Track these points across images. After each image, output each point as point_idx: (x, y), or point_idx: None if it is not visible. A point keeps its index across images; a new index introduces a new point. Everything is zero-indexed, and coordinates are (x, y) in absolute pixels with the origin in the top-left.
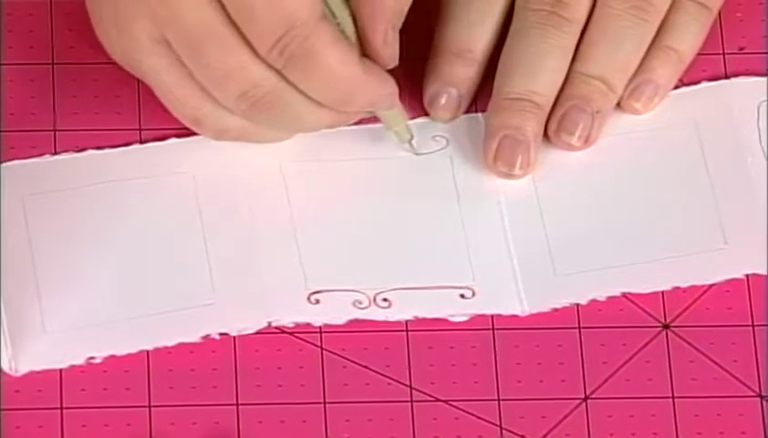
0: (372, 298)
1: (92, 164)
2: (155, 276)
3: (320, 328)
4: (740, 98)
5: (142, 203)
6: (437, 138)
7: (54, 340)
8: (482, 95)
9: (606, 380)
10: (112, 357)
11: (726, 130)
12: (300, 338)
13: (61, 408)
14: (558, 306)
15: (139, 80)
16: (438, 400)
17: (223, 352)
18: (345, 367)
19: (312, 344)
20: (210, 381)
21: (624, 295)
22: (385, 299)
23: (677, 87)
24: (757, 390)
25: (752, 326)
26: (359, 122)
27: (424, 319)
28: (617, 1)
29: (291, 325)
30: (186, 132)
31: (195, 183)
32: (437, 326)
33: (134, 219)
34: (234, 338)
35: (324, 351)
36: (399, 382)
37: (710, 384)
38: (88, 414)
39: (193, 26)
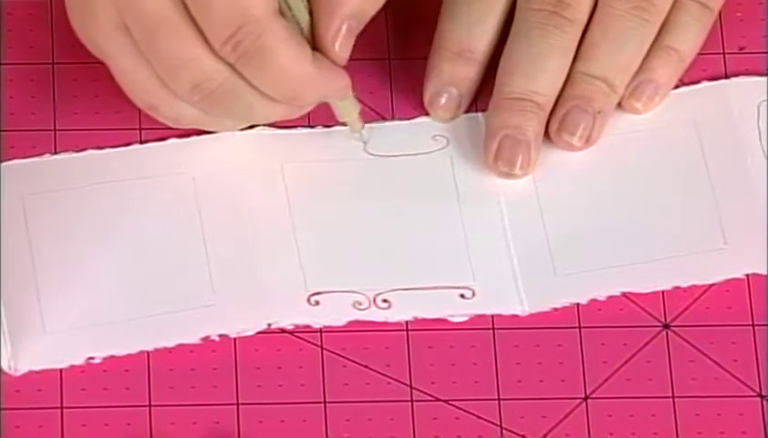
0: (372, 299)
1: (92, 164)
2: (155, 277)
3: (320, 328)
4: (740, 97)
5: (142, 204)
6: (437, 138)
7: (53, 340)
8: (482, 95)
9: (606, 380)
10: (112, 357)
11: (726, 129)
12: (300, 338)
13: (61, 408)
14: (558, 305)
15: None
16: (438, 399)
17: (224, 352)
18: (345, 366)
19: (312, 344)
20: (210, 381)
21: (624, 294)
22: (385, 300)
23: (677, 86)
24: (757, 390)
25: (753, 326)
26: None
27: (425, 319)
28: (619, 1)
29: (291, 326)
30: (186, 132)
31: (195, 184)
32: (437, 325)
33: (134, 219)
34: (234, 338)
35: (324, 351)
36: (400, 382)
37: (710, 384)
38: (88, 414)
39: (151, 14)
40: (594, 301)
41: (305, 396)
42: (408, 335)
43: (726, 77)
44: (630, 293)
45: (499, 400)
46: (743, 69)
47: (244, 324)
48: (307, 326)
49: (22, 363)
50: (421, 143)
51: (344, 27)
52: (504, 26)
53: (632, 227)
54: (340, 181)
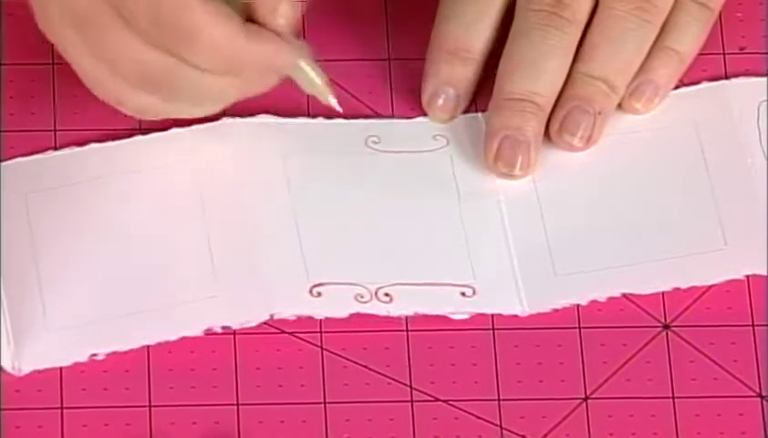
0: (374, 293)
1: (93, 158)
2: (157, 270)
3: (321, 327)
4: (740, 98)
5: (144, 196)
6: (437, 137)
7: (56, 338)
8: (482, 95)
9: (606, 380)
10: (114, 353)
11: (726, 130)
12: (300, 338)
13: (61, 408)
14: (558, 306)
15: None
16: (438, 399)
17: (224, 352)
18: (345, 367)
19: (312, 344)
20: (210, 381)
21: (624, 295)
22: (386, 294)
23: (677, 87)
24: (757, 390)
25: (753, 326)
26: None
27: (424, 319)
28: (620, 2)
29: (293, 318)
30: (188, 123)
31: (197, 175)
32: (437, 325)
33: (135, 212)
34: (235, 337)
35: (324, 351)
36: (399, 382)
37: (710, 384)
38: (88, 414)
39: (81, 10)
40: (594, 302)
41: (305, 396)
42: (408, 335)
43: (726, 77)
44: (630, 293)
45: (499, 400)
46: (743, 70)
47: (247, 316)
48: (309, 318)
49: (25, 363)
50: (422, 142)
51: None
52: (502, 26)
53: (632, 228)
54: (343, 172)
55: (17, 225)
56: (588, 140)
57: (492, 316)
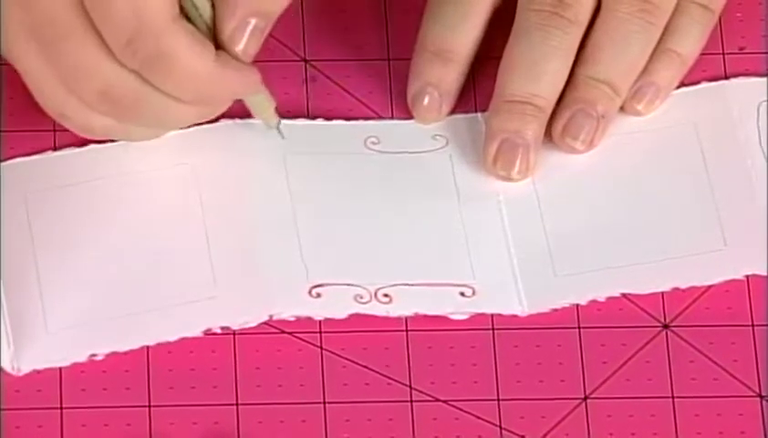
0: (373, 293)
1: (92, 159)
2: (156, 270)
3: (320, 327)
4: (740, 98)
5: (143, 197)
6: (437, 137)
7: (56, 338)
8: (482, 95)
9: (605, 380)
10: (114, 354)
11: (726, 130)
12: (300, 338)
13: (61, 408)
14: (558, 306)
15: None
16: (438, 400)
17: (223, 352)
18: (345, 367)
19: (312, 344)
20: (210, 381)
21: (624, 295)
22: (386, 295)
23: (677, 87)
24: (757, 390)
25: (752, 326)
26: (358, 119)
27: (424, 319)
28: (624, 4)
29: (292, 319)
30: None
31: (197, 176)
32: (437, 326)
33: (135, 213)
34: (235, 338)
35: (324, 351)
36: (399, 382)
37: (710, 384)
38: (88, 414)
39: (52, 20)
40: (593, 302)
41: (304, 396)
42: (407, 335)
43: (726, 77)
44: (630, 293)
45: (498, 400)
46: (743, 70)
47: (246, 316)
48: (308, 319)
49: (25, 363)
50: (421, 142)
51: (248, 27)
52: (487, 26)
53: (632, 228)
54: (342, 173)
55: (17, 225)
56: (590, 143)
57: (492, 316)
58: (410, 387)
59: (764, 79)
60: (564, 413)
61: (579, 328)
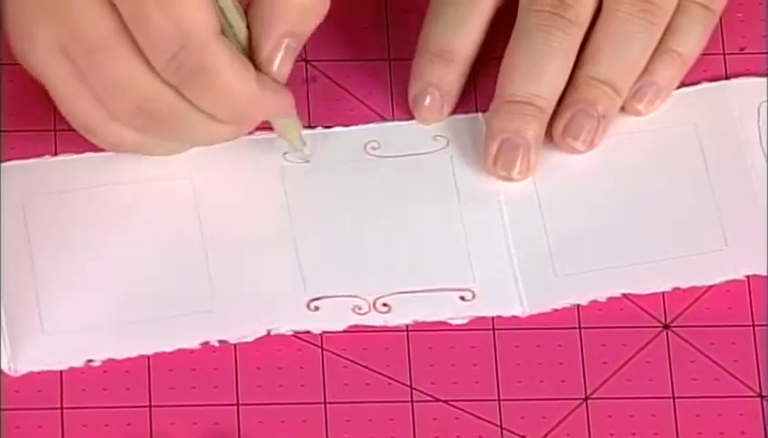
0: (372, 304)
1: (91, 166)
2: (154, 281)
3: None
4: (740, 98)
5: (141, 207)
6: (437, 138)
7: (53, 342)
8: (482, 95)
9: (606, 381)
10: (111, 360)
11: (726, 130)
12: (300, 339)
13: (61, 408)
14: (558, 306)
15: None
16: (438, 400)
17: (224, 352)
18: (345, 367)
19: (312, 344)
20: (210, 381)
21: (624, 295)
22: (384, 304)
23: (677, 87)
24: (757, 390)
25: (753, 326)
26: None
27: (424, 322)
28: (625, 5)
29: (290, 333)
30: None
31: (194, 188)
32: (437, 326)
33: (133, 223)
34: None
35: (324, 352)
36: (400, 382)
37: (710, 384)
38: (88, 414)
39: (89, 36)
40: (594, 302)
41: (305, 397)
42: (408, 336)
43: (726, 77)
44: (630, 293)
45: (499, 400)
46: (744, 70)
47: (244, 330)
48: (307, 331)
49: (21, 364)
50: (422, 143)
51: (282, 46)
52: (488, 27)
53: (632, 228)
54: (341, 183)
55: (14, 228)
56: (591, 144)
57: (493, 317)
58: (411, 387)
59: (765, 80)
60: (564, 413)
61: (580, 328)
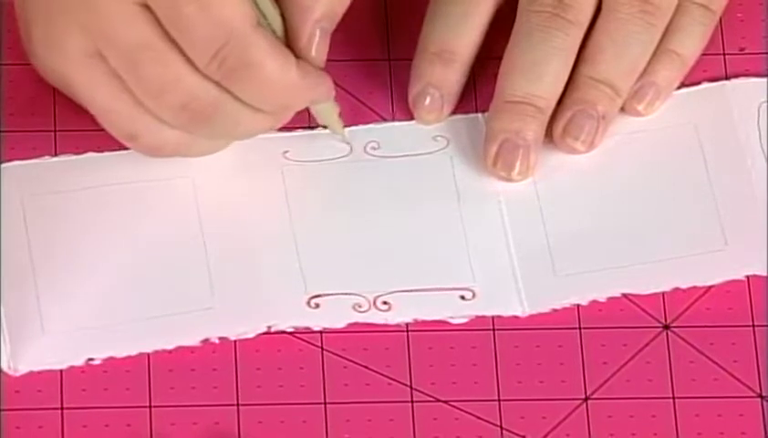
0: (372, 301)
1: (91, 167)
2: (154, 279)
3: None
4: (740, 98)
5: (142, 207)
6: (437, 138)
7: (53, 341)
8: (482, 95)
9: (606, 381)
10: (111, 358)
11: (726, 130)
12: (300, 339)
13: (61, 408)
14: (558, 306)
15: None
16: (438, 400)
17: (224, 353)
18: (345, 367)
19: (312, 344)
20: (210, 382)
21: (624, 295)
22: (385, 302)
23: (677, 87)
24: (757, 390)
25: (753, 326)
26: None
27: (425, 320)
28: (625, 5)
29: (290, 329)
30: None
31: (195, 187)
32: (437, 326)
33: (133, 222)
34: (234, 339)
35: (324, 352)
36: (400, 383)
37: (710, 384)
38: (88, 414)
39: (128, 41)
40: (594, 302)
41: (305, 397)
42: (408, 336)
43: (726, 77)
44: (630, 293)
45: (499, 400)
46: (744, 70)
47: (244, 327)
48: (307, 328)
49: (21, 364)
50: (422, 144)
51: (317, 31)
52: (488, 27)
53: (632, 228)
54: (340, 182)
55: (14, 228)
56: (591, 144)
57: (493, 316)
58: (411, 387)
59: (765, 80)
60: (564, 414)
61: (580, 328)
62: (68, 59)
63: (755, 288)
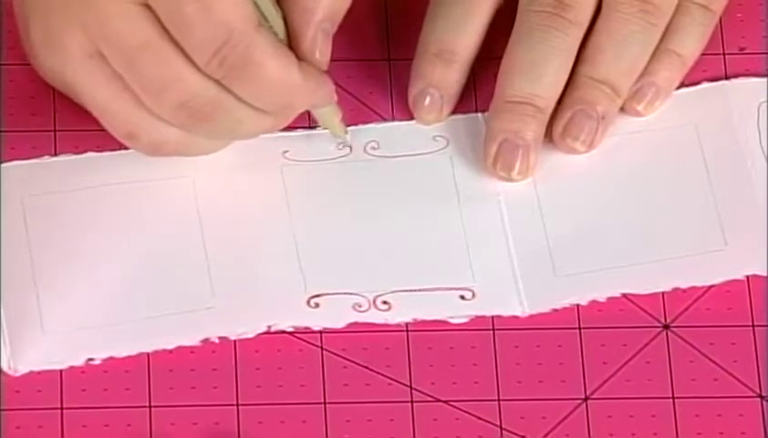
0: (372, 301)
1: (91, 167)
2: (154, 279)
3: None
4: (740, 98)
5: (142, 206)
6: (437, 138)
7: (53, 341)
8: (482, 95)
9: (606, 381)
10: (111, 358)
11: (726, 130)
12: (300, 339)
13: (61, 408)
14: (558, 306)
15: None
16: (438, 400)
17: (224, 353)
18: (345, 367)
19: (312, 344)
20: (210, 382)
21: (624, 295)
22: (385, 302)
23: (677, 87)
24: (757, 390)
25: (753, 326)
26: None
27: (425, 320)
28: (624, 5)
29: (290, 329)
30: None
31: (195, 187)
32: (437, 326)
33: (134, 222)
34: (234, 339)
35: (324, 352)
36: (400, 383)
37: (710, 384)
38: (88, 414)
39: (128, 40)
40: (594, 302)
41: (305, 397)
42: (408, 336)
43: (726, 77)
44: (630, 293)
45: (499, 400)
46: (743, 70)
47: (244, 327)
48: (307, 328)
49: (21, 364)
50: (422, 144)
51: (319, 33)
52: (488, 28)
53: (632, 228)
54: (340, 182)
55: (14, 228)
56: (591, 144)
57: (492, 316)
58: (411, 387)
59: (765, 80)
60: (564, 414)
61: (580, 328)
62: (68, 59)
63: (755, 288)
